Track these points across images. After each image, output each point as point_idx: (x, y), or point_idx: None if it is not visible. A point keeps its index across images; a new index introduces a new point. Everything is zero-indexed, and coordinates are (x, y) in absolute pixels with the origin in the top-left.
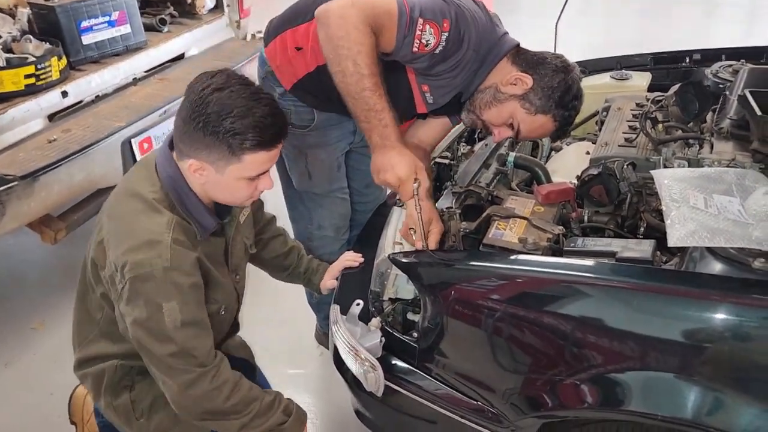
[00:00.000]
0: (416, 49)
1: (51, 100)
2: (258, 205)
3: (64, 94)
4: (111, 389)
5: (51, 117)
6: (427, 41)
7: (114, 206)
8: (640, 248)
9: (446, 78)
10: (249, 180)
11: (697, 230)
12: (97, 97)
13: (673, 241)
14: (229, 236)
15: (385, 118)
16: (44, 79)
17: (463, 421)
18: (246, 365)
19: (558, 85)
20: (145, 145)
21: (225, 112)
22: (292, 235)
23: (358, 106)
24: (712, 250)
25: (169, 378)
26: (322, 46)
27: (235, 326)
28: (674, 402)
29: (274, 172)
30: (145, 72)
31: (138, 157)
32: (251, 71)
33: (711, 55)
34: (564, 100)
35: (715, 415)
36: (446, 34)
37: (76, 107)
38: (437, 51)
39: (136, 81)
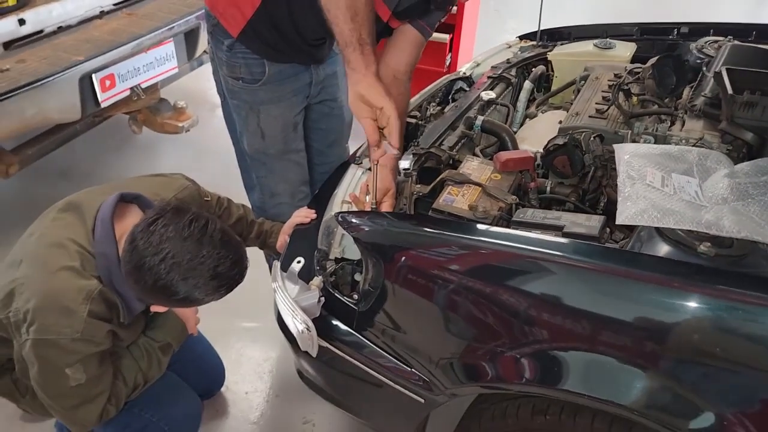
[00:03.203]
0: None
1: (6, 27)
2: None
3: (21, 21)
4: None
5: (7, 45)
6: None
7: (36, 251)
8: (588, 224)
9: None
10: None
11: (647, 209)
12: (59, 28)
13: (621, 219)
14: None
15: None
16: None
17: (396, 386)
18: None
19: None
20: (107, 82)
21: (196, 289)
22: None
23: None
24: (660, 231)
25: (68, 421)
26: None
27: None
28: (614, 387)
29: (226, 138)
30: (114, 5)
31: (99, 95)
32: None
33: (699, 30)
34: None
35: (656, 406)
36: None
37: (35, 37)
38: None
39: (102, 14)
